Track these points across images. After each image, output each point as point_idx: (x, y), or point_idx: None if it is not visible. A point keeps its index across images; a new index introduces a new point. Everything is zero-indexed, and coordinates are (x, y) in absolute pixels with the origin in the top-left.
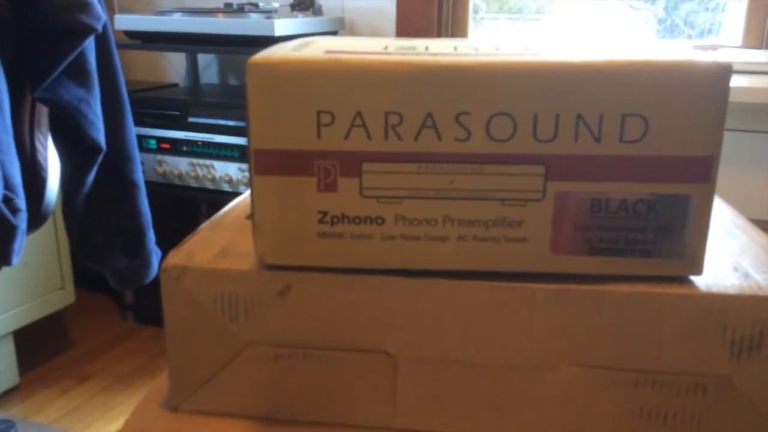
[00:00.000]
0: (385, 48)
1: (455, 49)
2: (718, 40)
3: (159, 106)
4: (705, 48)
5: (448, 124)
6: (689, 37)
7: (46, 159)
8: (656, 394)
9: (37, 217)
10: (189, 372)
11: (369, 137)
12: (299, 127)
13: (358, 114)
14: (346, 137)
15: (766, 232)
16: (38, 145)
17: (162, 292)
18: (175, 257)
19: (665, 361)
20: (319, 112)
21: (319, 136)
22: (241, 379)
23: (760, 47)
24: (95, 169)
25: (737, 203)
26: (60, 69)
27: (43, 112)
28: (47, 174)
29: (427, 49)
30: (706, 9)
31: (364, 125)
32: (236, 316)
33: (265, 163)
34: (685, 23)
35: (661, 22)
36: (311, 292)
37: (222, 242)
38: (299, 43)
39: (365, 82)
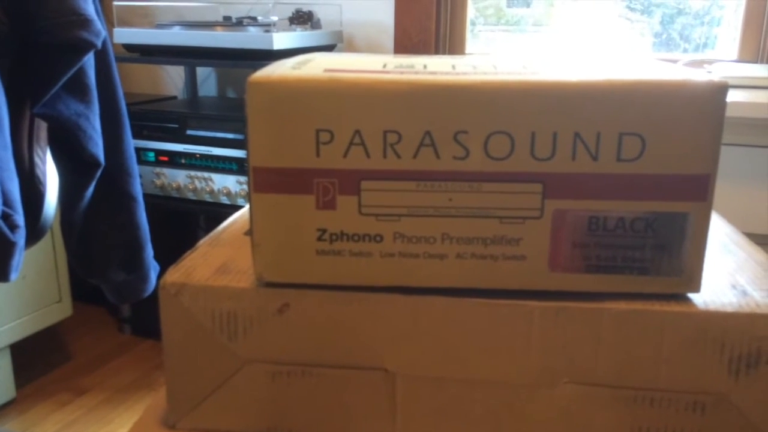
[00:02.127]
0: (384, 66)
1: (453, 67)
2: (713, 54)
3: (157, 118)
4: (701, 62)
5: (447, 142)
6: (685, 50)
7: (44, 174)
8: (655, 411)
9: (35, 231)
10: (187, 389)
11: (368, 155)
12: (298, 145)
13: (357, 132)
14: (345, 155)
15: (763, 247)
16: (37, 160)
17: (160, 309)
18: (174, 274)
19: (663, 379)
20: (318, 131)
21: (318, 154)
22: (239, 397)
23: (756, 61)
24: (94, 183)
25: (733, 218)
26: (59, 84)
27: (41, 127)
28: (45, 189)
29: (425, 67)
30: (702, 23)
31: (362, 143)
32: (235, 333)
33: (264, 181)
34: (681, 37)
35: (657, 35)
36: (310, 309)
37: (221, 259)
38: (298, 61)
39: (364, 100)
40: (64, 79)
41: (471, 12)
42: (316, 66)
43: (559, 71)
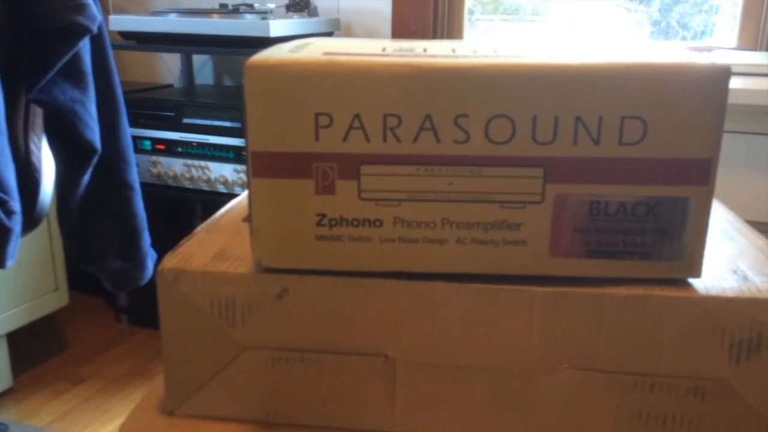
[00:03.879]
0: (384, 49)
1: (453, 50)
2: (712, 41)
3: (154, 107)
4: (700, 50)
5: (447, 126)
6: (683, 38)
7: (40, 160)
8: (655, 397)
9: (31, 219)
10: (185, 376)
11: (367, 139)
12: (297, 129)
13: (357, 116)
14: (345, 139)
15: (763, 234)
16: (32, 147)
17: (158, 296)
18: (171, 260)
19: (664, 364)
20: (317, 114)
21: (317, 138)
22: (238, 383)
23: (754, 49)
24: (90, 170)
25: (733, 205)
26: (55, 70)
27: (37, 114)
28: (41, 176)
29: (425, 50)
30: (700, 11)
31: (362, 127)
32: (233, 319)
33: (263, 166)
34: (679, 25)
35: (655, 23)
36: (309, 295)
37: (218, 245)
38: (297, 45)
39: (364, 84)
40: (60, 64)
41: (469, 0)
42: (315, 49)
43: (560, 55)
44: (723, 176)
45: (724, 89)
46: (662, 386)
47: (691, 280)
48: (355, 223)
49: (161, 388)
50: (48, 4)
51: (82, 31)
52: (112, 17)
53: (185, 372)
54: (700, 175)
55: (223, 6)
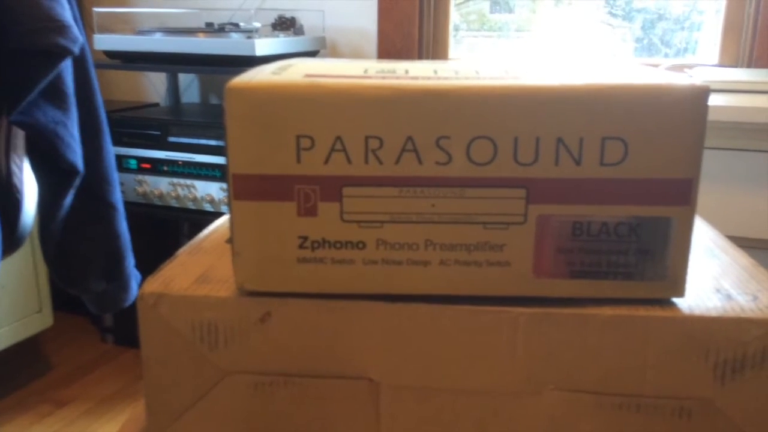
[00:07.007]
0: (365, 71)
1: (435, 72)
2: (694, 58)
3: (139, 125)
4: (682, 67)
5: (429, 148)
6: (666, 55)
7: (22, 182)
8: (641, 418)
9: (12, 241)
10: (167, 402)
11: (349, 161)
12: (279, 151)
13: (338, 138)
14: (326, 161)
15: (746, 251)
16: (14, 168)
17: (139, 320)
18: (152, 284)
19: (649, 385)
20: (298, 137)
21: (298, 161)
22: (220, 409)
23: (736, 65)
24: (72, 191)
25: (716, 222)
26: (36, 92)
27: (19, 135)
28: (23, 197)
29: (407, 72)
30: (682, 28)
31: (344, 149)
32: (215, 344)
33: (244, 188)
34: (662, 42)
35: (638, 40)
36: (292, 318)
37: (201, 268)
38: (278, 67)
39: (345, 106)
40: (41, 86)
41: (454, 17)
42: (297, 71)
43: (541, 76)
44: (706, 193)
45: (703, 109)
46: (648, 407)
47: (675, 300)
48: (338, 245)
49: (143, 413)
50: (28, 26)
51: (63, 53)
52: (97, 36)
53: (167, 397)
54: (681, 195)
55: (209, 25)
